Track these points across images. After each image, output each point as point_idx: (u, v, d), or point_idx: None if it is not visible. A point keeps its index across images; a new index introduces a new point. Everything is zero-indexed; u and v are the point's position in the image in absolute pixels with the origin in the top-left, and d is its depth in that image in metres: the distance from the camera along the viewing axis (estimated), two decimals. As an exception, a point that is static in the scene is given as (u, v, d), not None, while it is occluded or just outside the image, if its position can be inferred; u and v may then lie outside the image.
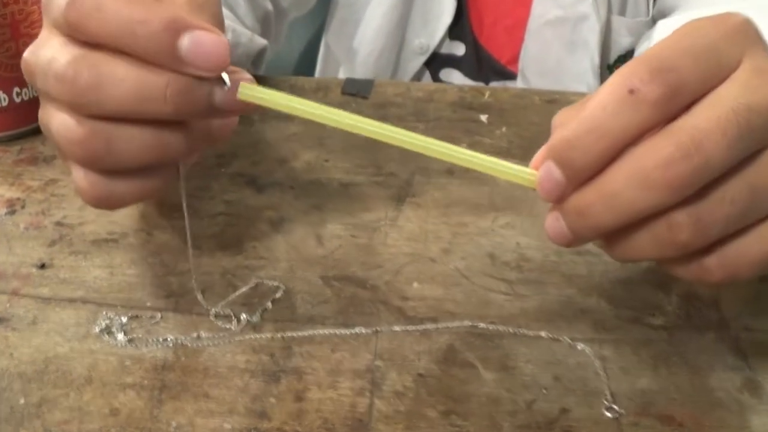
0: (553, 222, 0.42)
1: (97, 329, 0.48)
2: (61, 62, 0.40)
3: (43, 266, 0.53)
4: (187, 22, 0.39)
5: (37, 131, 0.67)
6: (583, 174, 0.40)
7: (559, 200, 0.42)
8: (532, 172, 0.43)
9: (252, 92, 0.42)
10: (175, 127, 0.43)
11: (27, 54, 0.43)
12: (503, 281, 0.53)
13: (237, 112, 0.44)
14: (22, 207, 0.59)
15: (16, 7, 0.63)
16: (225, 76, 0.42)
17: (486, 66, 0.98)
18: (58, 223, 0.57)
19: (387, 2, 0.95)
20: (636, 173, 0.38)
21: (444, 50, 0.98)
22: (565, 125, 0.40)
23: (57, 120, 0.42)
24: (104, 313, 0.49)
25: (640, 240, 0.40)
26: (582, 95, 0.77)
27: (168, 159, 0.43)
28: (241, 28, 0.73)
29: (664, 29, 0.73)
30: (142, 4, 0.39)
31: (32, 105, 0.66)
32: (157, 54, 0.39)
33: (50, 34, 0.42)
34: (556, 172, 0.41)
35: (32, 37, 0.64)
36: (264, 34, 0.84)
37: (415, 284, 0.52)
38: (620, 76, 0.39)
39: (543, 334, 0.49)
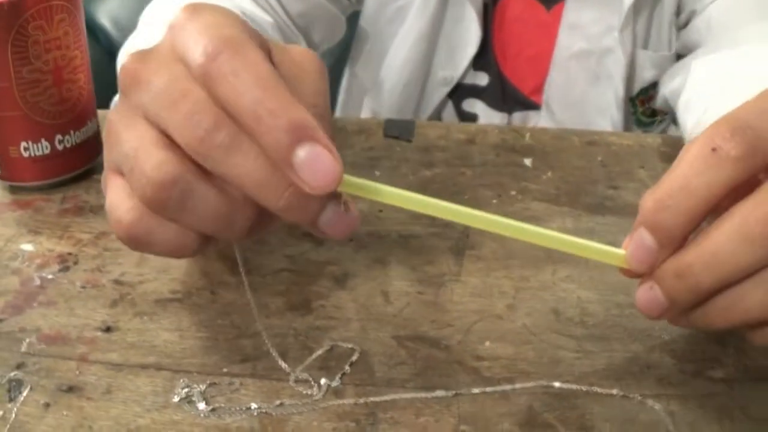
0: (646, 292, 0.44)
1: (176, 398, 0.48)
2: (196, 106, 0.39)
3: (108, 329, 0.52)
4: (313, 133, 0.38)
5: (78, 178, 0.67)
6: (673, 236, 0.42)
7: (650, 269, 0.43)
8: (620, 251, 0.45)
9: (353, 184, 0.41)
10: (250, 205, 0.42)
11: (134, 66, 0.42)
12: (570, 338, 0.53)
13: (336, 235, 0.43)
14: (75, 263, 0.58)
15: (59, 53, 0.62)
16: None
17: (509, 96, 0.98)
18: (117, 281, 0.56)
19: (414, 34, 0.95)
20: (738, 229, 0.40)
21: (467, 80, 0.98)
22: (653, 191, 0.42)
23: (137, 144, 0.41)
24: (181, 380, 0.49)
25: (745, 299, 0.41)
26: (616, 132, 0.79)
27: (229, 232, 0.42)
28: None
29: (698, 70, 0.74)
30: (278, 94, 0.38)
31: (74, 153, 0.66)
32: (272, 150, 0.38)
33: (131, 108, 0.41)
34: (648, 239, 0.42)
35: (75, 83, 0.64)
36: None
37: (487, 343, 0.52)
38: (704, 136, 0.41)
39: (614, 391, 0.49)
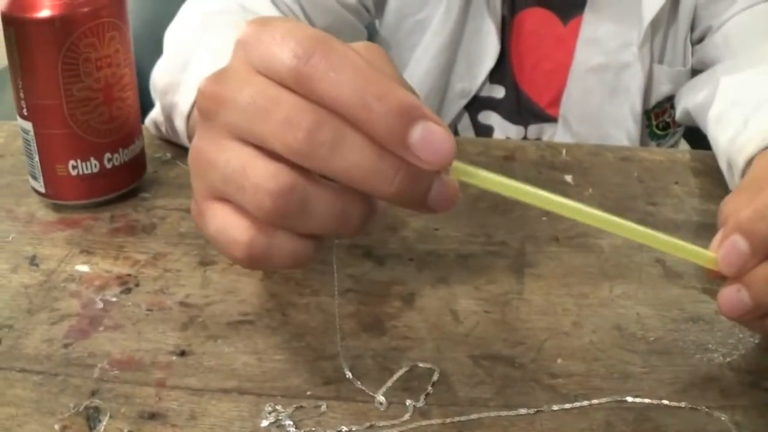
0: (733, 294, 0.46)
1: (264, 423, 0.48)
2: (293, 110, 0.39)
3: (183, 353, 0.52)
4: (424, 111, 0.38)
5: (124, 197, 0.66)
6: (767, 244, 0.45)
7: (738, 273, 0.46)
8: (711, 253, 0.48)
9: (466, 172, 0.42)
10: (364, 198, 0.42)
11: (212, 88, 0.42)
12: (635, 353, 0.54)
13: (443, 209, 0.43)
14: (137, 285, 0.58)
15: (109, 70, 0.62)
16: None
17: (525, 109, 0.99)
18: (183, 304, 0.56)
19: (435, 47, 0.96)
20: None
21: (484, 93, 0.99)
22: (749, 207, 0.45)
23: (241, 162, 0.41)
24: (267, 404, 0.49)
25: None
26: (646, 148, 0.80)
27: (346, 229, 0.43)
28: None
29: (728, 85, 0.75)
30: (379, 80, 0.38)
31: (122, 171, 0.65)
32: (386, 135, 0.38)
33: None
34: (742, 244, 0.45)
35: (124, 101, 0.63)
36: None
37: (559, 360, 0.53)
38: None
39: (683, 404, 0.50)
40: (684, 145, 1.10)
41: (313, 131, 0.38)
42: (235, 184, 0.41)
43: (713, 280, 0.49)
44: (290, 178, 0.40)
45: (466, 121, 1.01)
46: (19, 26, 0.59)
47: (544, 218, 0.66)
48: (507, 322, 0.56)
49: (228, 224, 0.42)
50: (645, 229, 0.47)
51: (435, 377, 0.51)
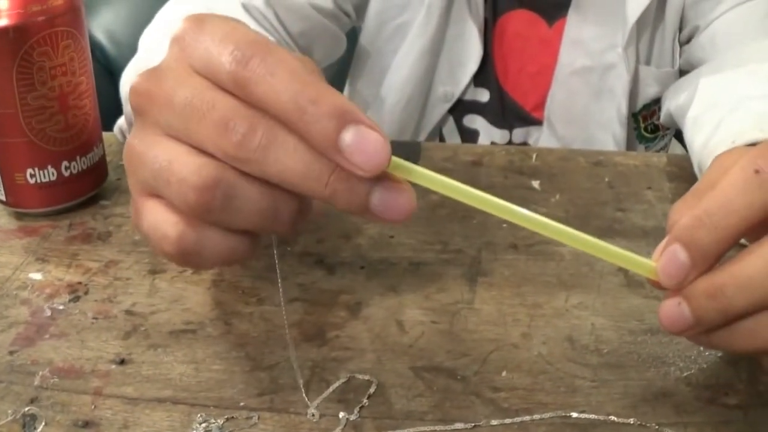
0: (673, 307, 0.44)
1: (194, 434, 0.47)
2: (227, 112, 0.39)
3: (122, 362, 0.52)
4: (357, 115, 0.38)
5: (84, 205, 0.66)
6: (707, 255, 0.42)
7: (678, 286, 0.43)
8: (651, 262, 0.45)
9: (401, 167, 0.41)
10: (293, 196, 0.41)
11: (144, 87, 0.42)
12: (586, 366, 0.53)
13: (392, 217, 0.42)
14: (86, 293, 0.58)
15: (64, 79, 0.62)
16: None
17: (510, 112, 0.98)
18: (129, 312, 0.56)
19: (416, 51, 0.95)
20: None
21: (468, 96, 0.98)
22: (693, 209, 0.42)
23: (168, 157, 0.40)
24: (198, 414, 0.48)
25: None
26: (622, 152, 0.79)
27: (276, 226, 0.42)
28: None
29: (707, 87, 0.74)
30: (315, 84, 0.38)
31: (80, 179, 0.65)
32: (318, 138, 0.38)
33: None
34: (682, 254, 0.42)
35: (80, 109, 0.63)
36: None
37: (504, 373, 0.52)
38: (748, 157, 0.42)
39: (631, 420, 0.49)
40: (677, 147, 1.08)
41: (247, 135, 0.38)
42: (162, 179, 0.41)
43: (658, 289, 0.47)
44: (215, 173, 0.39)
45: (451, 125, 1.01)
46: (-27, 36, 0.59)
47: (504, 225, 0.65)
48: (453, 333, 0.55)
49: (159, 219, 0.42)
50: (577, 233, 0.45)
51: (372, 389, 0.50)
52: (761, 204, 0.41)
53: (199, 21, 0.41)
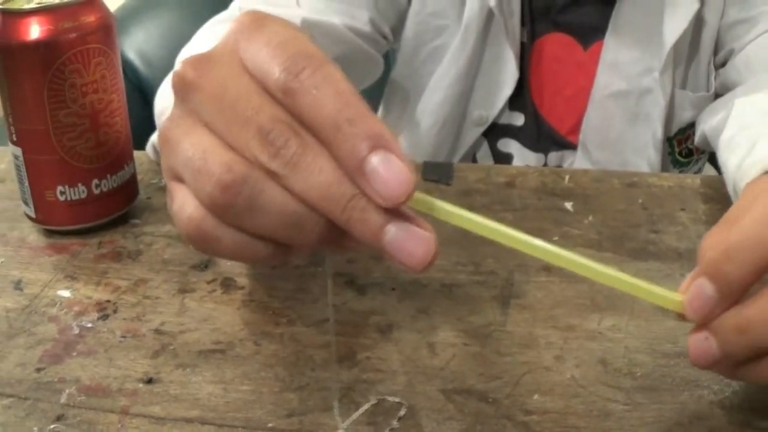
0: (701, 342, 0.43)
1: (221, 454, 0.47)
2: (267, 119, 0.39)
3: (150, 381, 0.51)
4: (389, 143, 0.38)
5: (115, 223, 0.66)
6: (734, 288, 0.41)
7: (705, 320, 0.43)
8: (677, 296, 0.44)
9: (425, 203, 0.41)
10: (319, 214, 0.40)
11: (190, 73, 0.42)
12: (619, 390, 0.51)
13: (405, 260, 0.40)
14: (115, 311, 0.57)
15: (95, 96, 0.62)
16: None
17: (545, 136, 0.97)
18: (158, 331, 0.55)
19: (452, 74, 0.94)
20: None
21: (503, 120, 0.98)
22: (720, 242, 0.42)
23: (202, 147, 0.40)
24: (226, 435, 0.48)
25: None
26: (655, 173, 0.78)
27: (298, 240, 0.41)
28: None
29: (741, 108, 0.72)
30: (357, 105, 0.38)
31: (111, 197, 0.65)
32: (346, 156, 0.38)
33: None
34: (709, 288, 0.42)
35: (111, 126, 0.63)
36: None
37: (536, 396, 0.51)
38: None
39: (666, 445, 0.48)
40: (710, 172, 1.07)
41: (281, 149, 0.38)
42: (192, 169, 0.40)
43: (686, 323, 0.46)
44: (244, 172, 0.39)
45: (485, 149, 1.00)
46: (5, 51, 0.59)
47: (537, 247, 0.64)
48: (485, 356, 0.54)
49: (186, 202, 0.42)
50: (605, 268, 0.44)
51: (402, 412, 0.49)
52: None
53: (259, 19, 0.41)
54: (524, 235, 0.43)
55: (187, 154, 0.41)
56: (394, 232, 0.39)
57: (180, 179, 0.42)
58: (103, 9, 0.62)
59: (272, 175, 0.39)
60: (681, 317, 0.45)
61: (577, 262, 0.44)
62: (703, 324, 0.43)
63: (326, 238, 0.41)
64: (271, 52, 0.39)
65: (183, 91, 0.42)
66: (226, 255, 0.43)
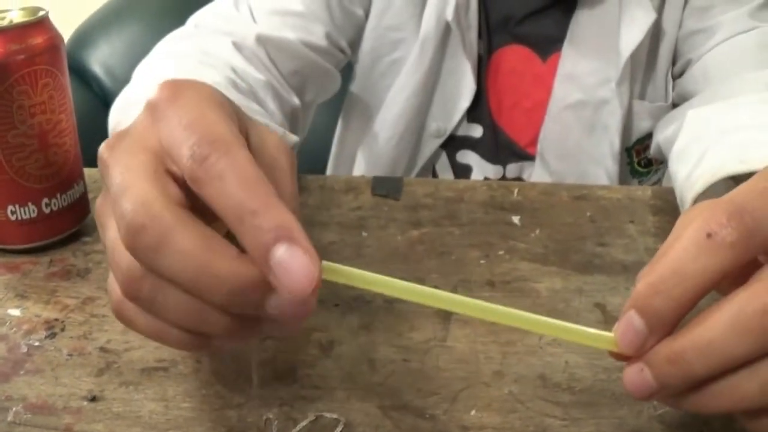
0: (637, 374, 0.43)
1: (159, 473, 0.47)
2: (131, 208, 0.39)
3: (94, 399, 0.52)
4: (295, 236, 0.38)
5: (66, 241, 0.67)
6: (664, 321, 0.41)
7: (637, 353, 0.43)
8: (609, 334, 0.44)
9: (334, 272, 0.42)
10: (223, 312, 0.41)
11: (105, 154, 0.42)
12: (557, 405, 0.52)
13: (291, 320, 0.42)
14: (62, 329, 0.58)
15: (43, 117, 0.63)
16: None
17: (504, 148, 0.98)
18: (103, 349, 0.56)
19: (410, 87, 0.95)
20: (734, 320, 0.39)
21: (461, 132, 0.98)
22: (647, 273, 0.42)
23: (113, 236, 0.41)
24: (165, 454, 0.48)
25: (740, 388, 0.41)
26: (605, 186, 0.79)
27: (206, 332, 0.42)
28: (274, 125, 0.72)
29: (694, 119, 0.73)
30: (261, 195, 0.38)
31: (61, 215, 0.66)
32: (250, 248, 0.38)
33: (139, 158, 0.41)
34: (638, 322, 0.42)
35: (60, 146, 0.64)
36: (292, 128, 0.83)
37: (473, 412, 0.51)
38: (700, 220, 0.41)
39: (601, 461, 0.49)
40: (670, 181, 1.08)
41: (138, 234, 0.38)
42: (108, 255, 0.42)
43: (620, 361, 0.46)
44: (142, 273, 0.40)
45: (444, 161, 1.01)
46: (-47, 74, 0.60)
47: (482, 261, 0.65)
48: (424, 371, 0.55)
49: (111, 279, 0.43)
50: (529, 315, 0.44)
51: (339, 428, 0.50)
52: (714, 269, 0.40)
53: (173, 93, 0.41)
54: (442, 292, 0.44)
55: (105, 241, 0.42)
56: (275, 300, 0.40)
57: None
58: (51, 30, 0.63)
59: (142, 261, 0.39)
60: (615, 356, 0.45)
61: (507, 314, 0.44)
62: (637, 357, 0.43)
63: (237, 329, 0.42)
64: (180, 134, 0.39)
65: (101, 171, 0.43)
66: (149, 337, 0.44)
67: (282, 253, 0.37)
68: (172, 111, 0.40)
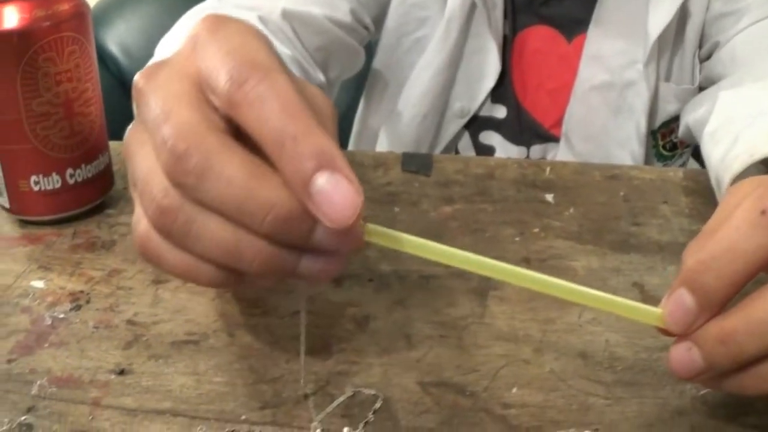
0: (683, 353, 0.42)
1: (193, 447, 0.46)
2: (174, 132, 0.37)
3: (122, 372, 0.50)
4: (336, 162, 0.36)
5: (89, 213, 0.65)
6: (715, 299, 0.41)
7: (686, 331, 0.42)
8: (657, 310, 0.43)
9: (378, 234, 0.40)
10: (257, 238, 0.39)
11: (141, 83, 0.41)
12: (599, 384, 0.51)
13: (335, 254, 0.40)
14: (87, 302, 0.56)
15: (69, 85, 0.61)
16: None
17: (528, 129, 0.97)
18: (130, 322, 0.54)
19: (434, 66, 0.94)
20: None
21: (484, 113, 0.97)
22: (698, 251, 0.41)
23: (147, 165, 0.39)
24: (198, 427, 0.47)
25: None
26: (637, 166, 0.78)
27: (240, 267, 0.40)
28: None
29: (726, 100, 0.72)
30: (303, 120, 0.37)
31: (86, 186, 0.64)
32: (291, 177, 0.36)
33: (180, 83, 0.39)
34: (688, 299, 0.41)
35: (86, 116, 0.62)
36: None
37: (515, 390, 0.50)
38: (753, 197, 0.40)
39: (646, 440, 0.47)
40: (694, 166, 1.07)
41: (182, 158, 0.37)
42: (139, 186, 0.40)
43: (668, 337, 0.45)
44: (178, 199, 0.38)
45: (466, 141, 0.99)
46: (-22, 40, 0.58)
47: (517, 238, 0.64)
48: (463, 348, 0.53)
49: (140, 216, 0.41)
50: (585, 289, 0.44)
51: (378, 404, 0.49)
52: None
53: (215, 24, 0.40)
54: (487, 259, 0.44)
55: (137, 170, 0.40)
56: (321, 233, 0.38)
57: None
58: (78, -3, 0.61)
59: (183, 188, 0.38)
60: (662, 332, 0.44)
61: (554, 284, 0.44)
62: (685, 335, 0.43)
63: (272, 265, 0.40)
64: (220, 61, 0.38)
65: (136, 100, 0.41)
66: (175, 274, 0.42)
67: (324, 181, 0.36)
68: (212, 40, 0.39)
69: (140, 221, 0.41)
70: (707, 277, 0.41)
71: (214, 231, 0.38)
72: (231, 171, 0.37)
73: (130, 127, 0.43)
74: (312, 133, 0.36)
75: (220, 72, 0.37)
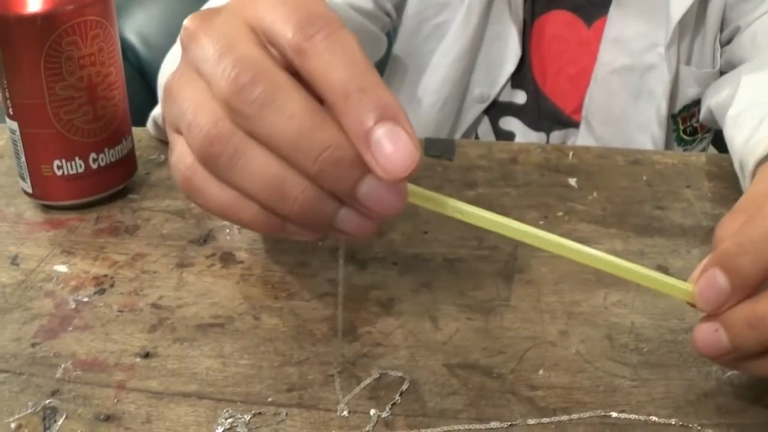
0: (710, 333, 0.42)
1: (219, 429, 0.46)
2: (240, 63, 0.37)
3: (147, 355, 0.50)
4: (399, 116, 0.36)
5: (112, 198, 0.65)
6: (748, 282, 0.41)
7: (716, 310, 0.42)
8: (688, 285, 0.44)
9: (421, 195, 0.40)
10: (304, 179, 0.39)
11: (193, 25, 0.41)
12: (626, 366, 0.51)
13: (375, 215, 0.40)
14: (112, 286, 0.56)
15: (93, 69, 0.61)
16: None
17: (547, 115, 0.96)
18: (155, 305, 0.54)
19: (454, 51, 0.93)
20: None
21: (504, 98, 0.96)
22: (735, 233, 0.41)
23: (197, 101, 0.39)
24: (225, 410, 0.47)
25: None
26: (659, 151, 0.77)
27: (281, 209, 0.40)
28: None
29: (749, 84, 0.71)
30: (369, 74, 0.37)
31: (109, 171, 0.64)
32: (353, 126, 0.36)
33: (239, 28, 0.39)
34: (722, 279, 0.41)
35: (109, 100, 0.62)
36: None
37: (541, 371, 0.50)
38: None
39: (672, 421, 0.47)
40: (713, 151, 1.06)
41: (247, 87, 0.37)
42: (186, 120, 0.40)
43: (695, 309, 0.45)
44: (231, 127, 0.38)
45: (486, 127, 0.99)
46: (2, 23, 0.58)
47: (541, 222, 0.63)
48: (489, 330, 0.53)
49: (183, 153, 0.41)
50: (611, 258, 0.44)
51: (405, 386, 0.49)
52: None
53: None
54: (524, 225, 0.44)
55: (183, 106, 0.40)
56: (368, 185, 0.38)
57: (179, 131, 0.42)
58: (101, -19, 0.61)
59: (240, 116, 0.38)
60: (692, 305, 0.44)
61: (588, 254, 0.44)
62: (714, 314, 0.43)
63: (312, 212, 0.40)
64: (286, 12, 0.38)
65: (186, 41, 0.41)
66: (215, 209, 0.42)
67: (384, 132, 0.36)
68: None
69: (185, 157, 0.41)
70: (744, 259, 0.40)
71: (262, 165, 0.38)
72: (294, 106, 0.37)
73: (173, 73, 0.42)
74: (377, 87, 0.37)
75: (287, 22, 0.37)
